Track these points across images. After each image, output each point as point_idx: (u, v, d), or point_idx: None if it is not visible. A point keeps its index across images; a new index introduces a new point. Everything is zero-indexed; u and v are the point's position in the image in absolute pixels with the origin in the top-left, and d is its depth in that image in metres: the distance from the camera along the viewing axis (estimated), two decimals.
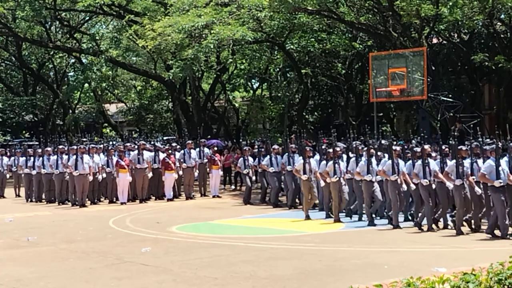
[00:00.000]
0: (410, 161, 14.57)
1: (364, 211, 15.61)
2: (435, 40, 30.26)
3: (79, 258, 11.71)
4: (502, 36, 27.89)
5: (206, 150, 22.86)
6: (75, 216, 18.07)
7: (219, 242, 13.15)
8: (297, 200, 19.27)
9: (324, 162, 16.23)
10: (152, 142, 23.49)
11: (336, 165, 15.54)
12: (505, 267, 5.78)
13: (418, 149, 14.59)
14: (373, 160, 15.22)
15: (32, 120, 47.54)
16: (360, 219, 15.66)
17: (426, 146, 14.49)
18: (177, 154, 21.96)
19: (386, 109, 35.13)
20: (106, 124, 48.49)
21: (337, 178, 15.44)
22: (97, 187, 21.08)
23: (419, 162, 14.17)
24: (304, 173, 16.19)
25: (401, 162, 14.62)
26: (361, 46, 31.01)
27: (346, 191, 15.88)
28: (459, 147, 13.82)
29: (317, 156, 18.39)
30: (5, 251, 12.62)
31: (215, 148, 24.32)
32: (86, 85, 41.35)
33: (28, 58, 44.71)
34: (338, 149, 16.16)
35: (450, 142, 15.97)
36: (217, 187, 22.58)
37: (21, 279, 10.07)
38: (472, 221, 13.70)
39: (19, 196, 23.99)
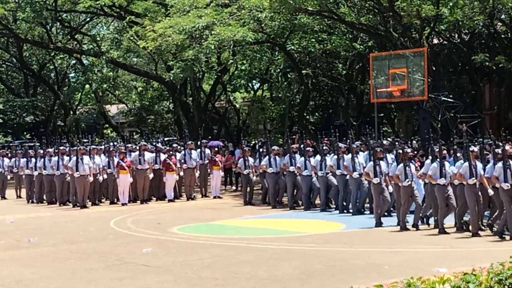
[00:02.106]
0: (491, 164, 13.56)
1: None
2: (435, 41, 30.24)
3: (80, 259, 11.72)
4: (502, 36, 27.88)
5: (207, 151, 22.88)
6: (76, 217, 18.10)
7: (220, 243, 13.16)
8: (299, 201, 19.34)
9: (395, 164, 15.09)
10: (153, 143, 23.51)
11: (407, 168, 14.42)
12: (505, 267, 5.78)
13: (499, 150, 13.56)
14: (446, 163, 14.16)
15: (33, 121, 47.56)
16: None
17: (507, 147, 13.56)
18: (178, 155, 21.98)
19: (387, 109, 35.10)
20: (107, 125, 48.51)
21: (409, 182, 14.38)
22: (98, 188, 21.11)
23: (499, 164, 13.10)
24: (375, 176, 15.29)
25: (478, 164, 13.60)
26: (361, 46, 30.99)
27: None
28: None
29: (318, 157, 18.47)
30: (6, 252, 12.63)
31: (216, 149, 24.35)
32: (87, 86, 41.39)
33: (29, 60, 44.74)
34: (409, 150, 15.32)
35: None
36: (218, 187, 22.59)
37: (22, 279, 10.08)
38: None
39: (20, 197, 24.01)
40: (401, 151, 14.88)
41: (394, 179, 14.61)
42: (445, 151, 14.48)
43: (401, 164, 14.48)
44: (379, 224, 14.95)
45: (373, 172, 15.32)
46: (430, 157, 14.61)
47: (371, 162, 15.59)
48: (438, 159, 14.02)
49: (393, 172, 14.76)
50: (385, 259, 10.98)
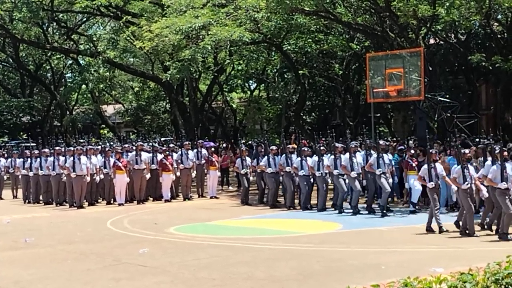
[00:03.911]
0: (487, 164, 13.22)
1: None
2: (432, 41, 30.25)
3: (77, 260, 11.72)
4: (499, 36, 27.89)
5: (203, 151, 22.88)
6: (73, 218, 18.09)
7: (217, 243, 13.16)
8: (296, 201, 19.36)
9: (455, 166, 14.04)
10: (150, 143, 23.50)
11: (465, 170, 13.43)
12: (502, 267, 5.80)
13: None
14: (509, 164, 13.10)
15: (29, 122, 47.54)
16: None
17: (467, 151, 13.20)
18: (175, 155, 21.96)
19: (384, 109, 35.13)
20: (103, 126, 48.50)
21: (468, 185, 13.35)
22: (95, 188, 21.09)
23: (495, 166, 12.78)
24: (430, 180, 14.09)
25: None
26: (358, 46, 31.01)
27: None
28: None
29: (315, 157, 18.48)
30: (3, 253, 12.62)
31: (213, 149, 24.35)
32: (84, 86, 41.37)
33: (25, 60, 44.71)
34: (467, 151, 14.20)
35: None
36: (214, 188, 22.59)
37: (19, 280, 10.08)
38: None
39: (16, 197, 23.99)
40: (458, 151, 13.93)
41: (452, 182, 13.90)
42: (506, 153, 13.63)
43: (459, 166, 13.57)
44: (430, 228, 13.96)
45: (427, 176, 14.23)
46: (490, 159, 13.91)
47: (426, 165, 14.42)
48: (498, 162, 13.13)
49: (452, 174, 13.94)
50: (382, 259, 11.00)
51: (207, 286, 9.49)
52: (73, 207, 20.11)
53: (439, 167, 14.56)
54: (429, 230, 13.94)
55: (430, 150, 14.82)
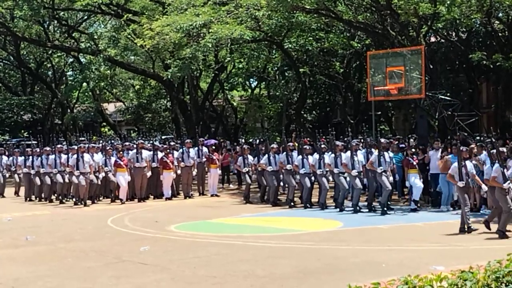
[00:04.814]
0: (489, 164, 13.07)
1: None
2: (433, 39, 30.23)
3: (77, 257, 11.72)
4: (500, 34, 27.87)
5: (204, 149, 22.89)
6: (73, 215, 18.08)
7: (218, 241, 13.16)
8: (296, 199, 19.35)
9: (490, 165, 13.46)
10: (150, 141, 23.52)
11: (505, 169, 12.82)
12: (502, 265, 5.80)
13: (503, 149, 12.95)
14: None
15: (30, 120, 47.53)
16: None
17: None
18: (176, 153, 21.98)
19: (384, 107, 35.10)
20: (104, 124, 48.51)
21: (510, 185, 12.65)
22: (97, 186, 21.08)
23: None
24: (461, 179, 13.58)
25: None
26: (359, 44, 30.99)
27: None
28: None
29: (316, 155, 18.48)
30: (3, 250, 12.62)
31: (213, 147, 24.36)
32: (85, 84, 41.34)
33: (26, 58, 44.70)
34: (504, 150, 13.78)
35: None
36: (215, 186, 22.60)
37: (19, 278, 10.07)
38: None
39: (18, 195, 23.97)
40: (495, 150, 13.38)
41: (491, 182, 13.04)
42: None
43: (497, 165, 12.88)
44: (470, 228, 13.34)
45: (458, 174, 13.70)
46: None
47: (455, 163, 13.88)
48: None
49: (488, 174, 13.25)
50: (382, 257, 10.99)
51: (207, 283, 9.48)
52: (78, 204, 20.05)
53: (468, 165, 14.04)
54: (462, 230, 13.39)
55: (461, 148, 14.37)
